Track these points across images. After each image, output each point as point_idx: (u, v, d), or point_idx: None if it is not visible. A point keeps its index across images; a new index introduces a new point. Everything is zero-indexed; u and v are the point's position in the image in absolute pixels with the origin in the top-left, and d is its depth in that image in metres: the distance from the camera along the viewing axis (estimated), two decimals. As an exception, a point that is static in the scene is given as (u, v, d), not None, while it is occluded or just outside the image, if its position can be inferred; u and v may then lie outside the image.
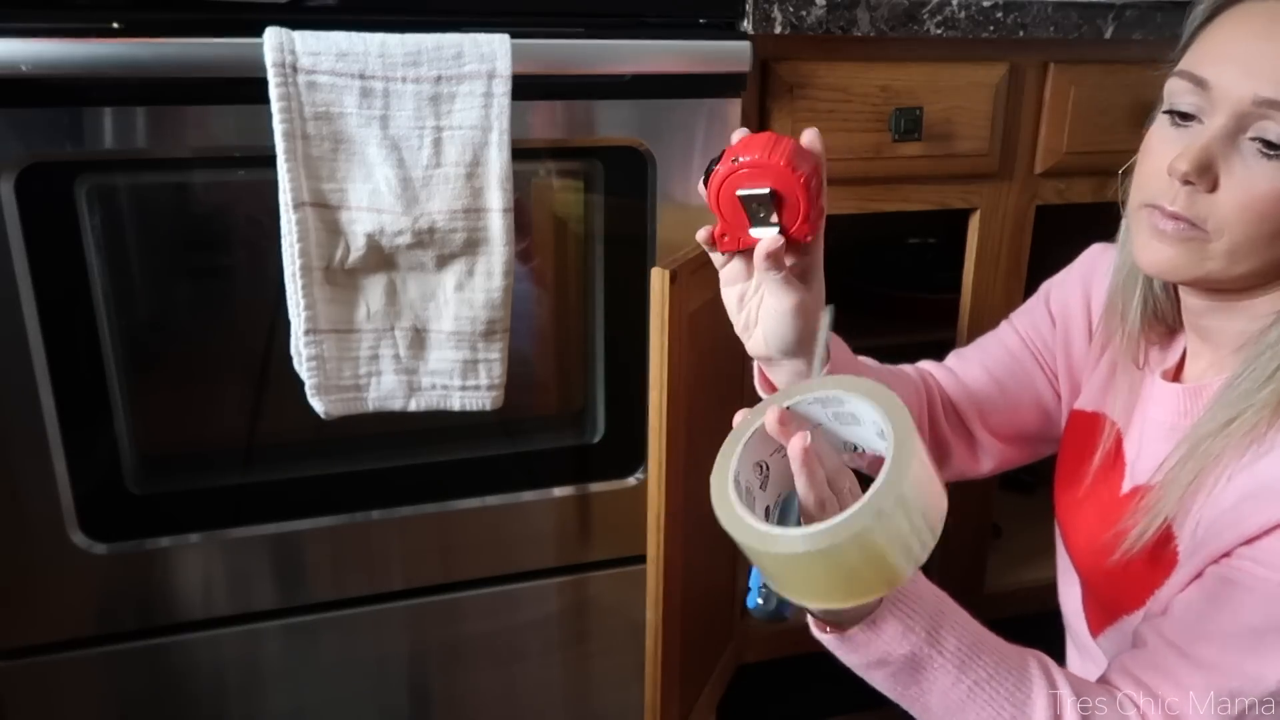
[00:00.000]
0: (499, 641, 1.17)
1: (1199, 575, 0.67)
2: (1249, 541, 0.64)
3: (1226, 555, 0.65)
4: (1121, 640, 0.79)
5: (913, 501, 0.51)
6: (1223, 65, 0.66)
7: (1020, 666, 0.65)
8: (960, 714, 0.65)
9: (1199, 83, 0.67)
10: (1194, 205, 0.66)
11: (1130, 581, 0.76)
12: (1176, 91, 0.69)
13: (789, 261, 0.68)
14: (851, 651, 0.64)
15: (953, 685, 0.64)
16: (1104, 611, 0.82)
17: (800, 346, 0.70)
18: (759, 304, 0.71)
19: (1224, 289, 0.71)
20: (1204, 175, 0.65)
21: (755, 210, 0.66)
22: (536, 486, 1.13)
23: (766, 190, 0.65)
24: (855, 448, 0.61)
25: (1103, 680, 0.69)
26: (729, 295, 0.72)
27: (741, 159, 0.65)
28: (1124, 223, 0.82)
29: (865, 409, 0.56)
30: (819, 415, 0.60)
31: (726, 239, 0.69)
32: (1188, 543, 0.70)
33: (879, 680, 0.66)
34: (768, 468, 0.61)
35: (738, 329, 0.73)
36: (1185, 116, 0.68)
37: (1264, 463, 0.65)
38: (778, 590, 0.56)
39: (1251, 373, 0.68)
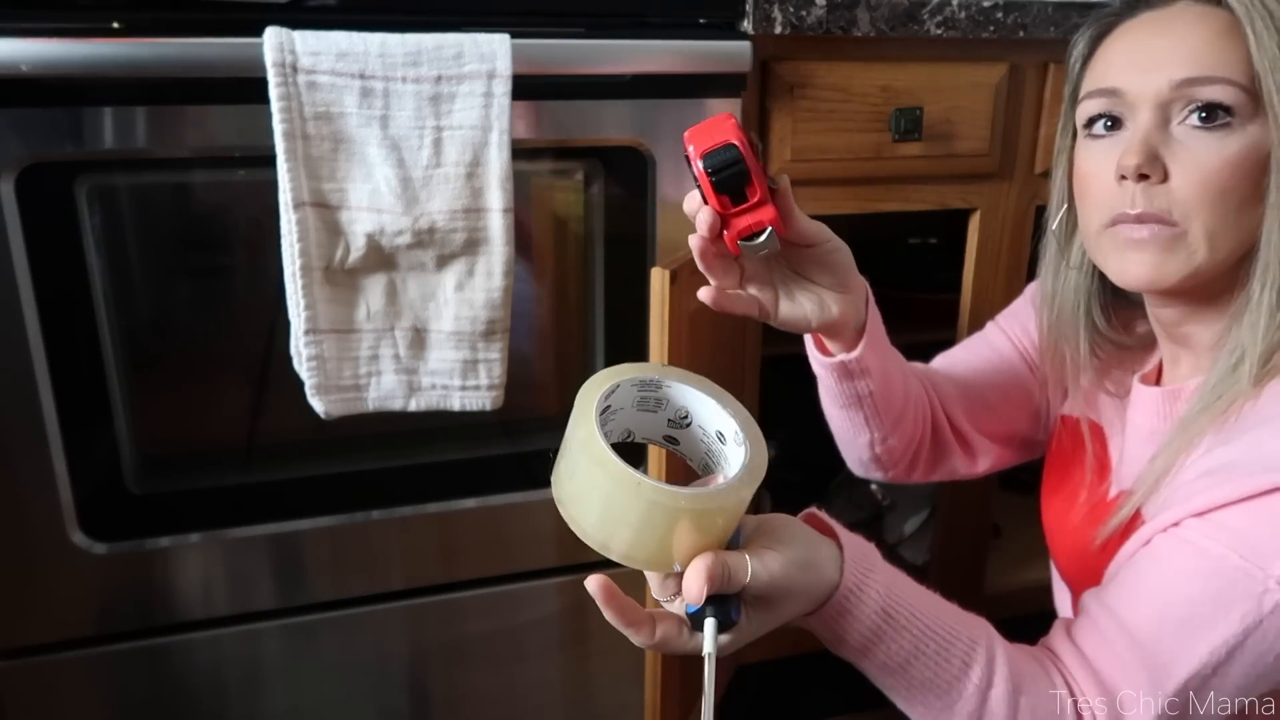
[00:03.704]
0: (499, 641, 1.17)
1: (1147, 543, 0.67)
2: (1199, 514, 0.64)
3: (1175, 525, 0.65)
4: None
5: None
6: (1127, 71, 0.69)
7: (963, 655, 0.64)
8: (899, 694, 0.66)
9: (1112, 93, 0.70)
10: (1154, 200, 0.67)
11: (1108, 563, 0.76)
12: (1092, 109, 0.72)
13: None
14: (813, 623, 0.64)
15: (891, 685, 0.65)
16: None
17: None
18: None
19: (1210, 286, 0.71)
20: (1154, 164, 0.67)
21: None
22: (536, 486, 1.13)
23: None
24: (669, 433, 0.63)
25: (1045, 645, 0.69)
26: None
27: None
28: (1046, 280, 0.83)
29: (698, 404, 0.60)
30: (629, 397, 0.60)
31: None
32: (1151, 513, 0.71)
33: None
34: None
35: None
36: (1110, 126, 0.71)
37: (1222, 449, 0.66)
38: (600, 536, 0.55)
39: (1220, 370, 0.68)
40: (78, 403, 0.95)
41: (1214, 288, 0.71)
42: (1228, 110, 0.65)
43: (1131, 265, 0.70)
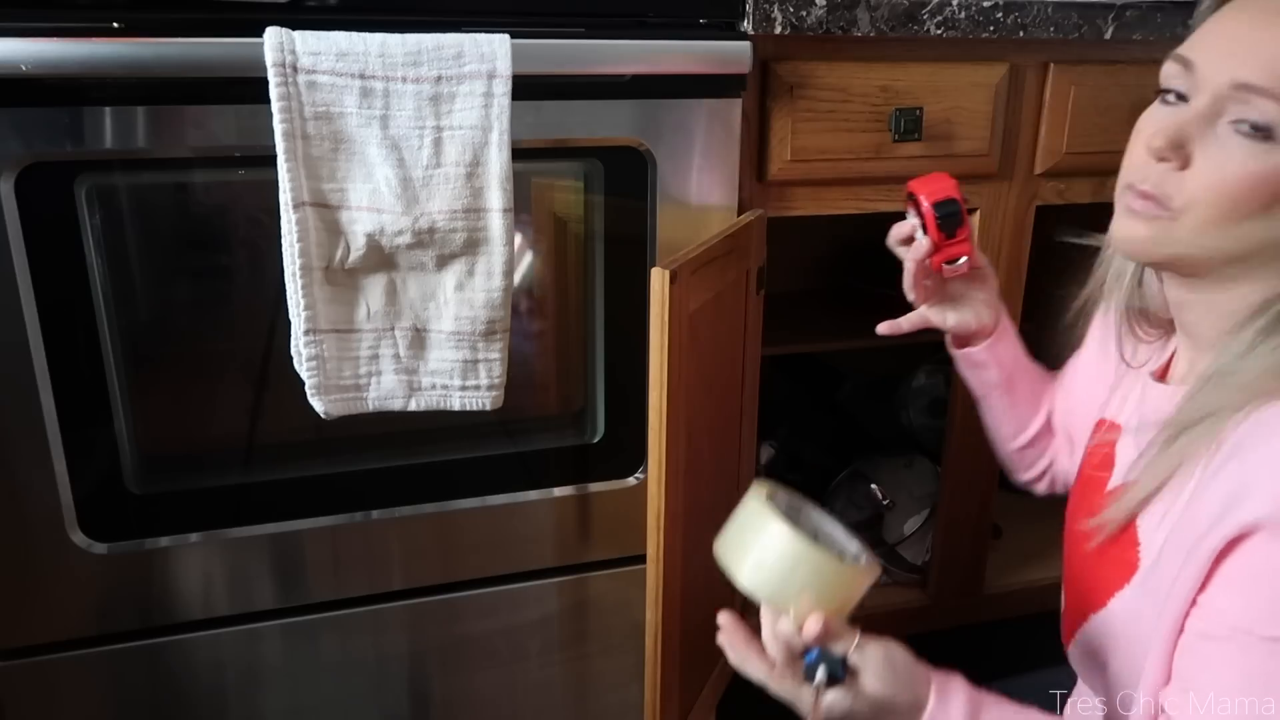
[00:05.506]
0: (499, 641, 1.17)
1: (1181, 631, 0.65)
2: (1195, 605, 0.63)
3: (1187, 615, 0.64)
4: (1087, 649, 0.79)
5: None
6: (1209, 49, 0.67)
7: None
8: None
9: (1186, 64, 0.68)
10: (1164, 184, 0.67)
11: (1096, 577, 0.76)
12: (1167, 74, 0.70)
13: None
14: None
15: None
16: (1075, 611, 0.81)
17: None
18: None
19: (1197, 274, 0.70)
20: (1177, 151, 0.66)
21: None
22: (536, 486, 1.13)
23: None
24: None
25: None
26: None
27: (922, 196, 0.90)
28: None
29: (829, 526, 0.76)
30: (782, 503, 0.76)
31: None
32: (1149, 551, 0.70)
33: None
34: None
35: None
36: (1175, 97, 0.69)
37: (1200, 492, 0.65)
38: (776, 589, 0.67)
39: (1220, 372, 0.67)
40: (78, 403, 0.95)
41: (1207, 271, 0.69)
42: (1268, 128, 0.63)
43: (1120, 228, 0.71)
